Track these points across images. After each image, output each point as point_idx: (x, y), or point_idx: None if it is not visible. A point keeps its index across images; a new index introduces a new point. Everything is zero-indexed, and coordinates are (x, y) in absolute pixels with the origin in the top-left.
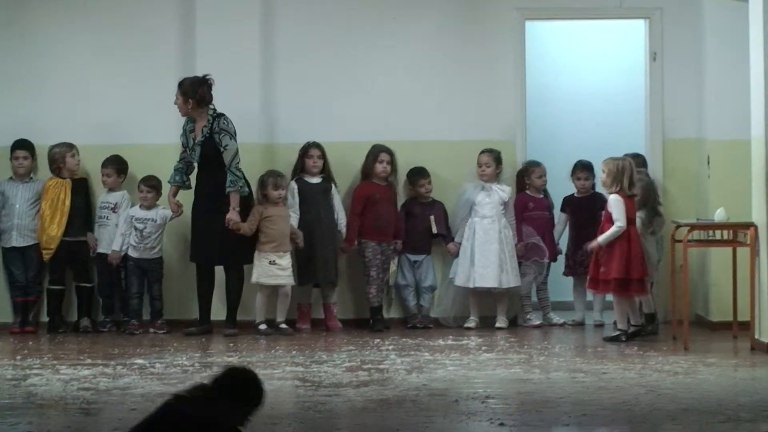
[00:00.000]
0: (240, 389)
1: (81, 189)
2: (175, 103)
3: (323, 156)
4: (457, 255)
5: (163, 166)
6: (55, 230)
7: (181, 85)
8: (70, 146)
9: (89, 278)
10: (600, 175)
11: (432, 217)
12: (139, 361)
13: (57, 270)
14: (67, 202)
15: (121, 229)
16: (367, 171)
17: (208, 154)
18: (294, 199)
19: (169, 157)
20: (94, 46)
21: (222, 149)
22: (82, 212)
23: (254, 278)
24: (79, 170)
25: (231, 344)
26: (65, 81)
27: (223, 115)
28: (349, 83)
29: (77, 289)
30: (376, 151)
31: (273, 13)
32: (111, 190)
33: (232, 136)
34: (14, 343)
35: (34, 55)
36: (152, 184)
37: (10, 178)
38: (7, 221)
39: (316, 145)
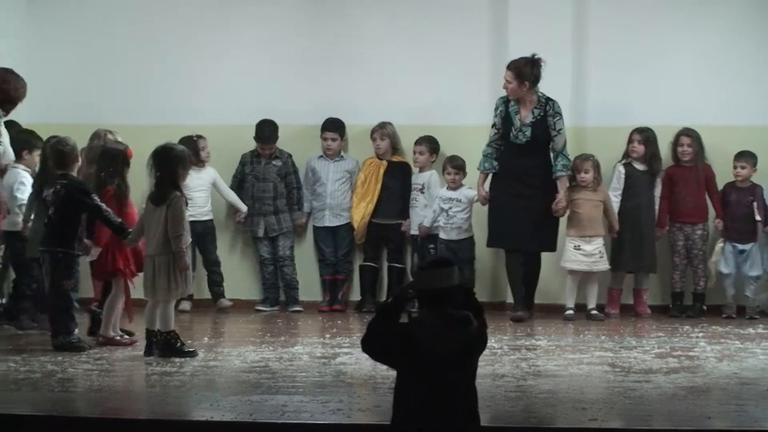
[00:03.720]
0: None
1: (397, 171)
2: (506, 87)
3: (645, 141)
4: None
5: (470, 147)
6: (362, 210)
7: (513, 67)
8: (381, 125)
9: (402, 259)
10: None
11: (754, 203)
12: None
13: (370, 250)
14: (378, 184)
15: (433, 207)
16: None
17: (537, 136)
18: (619, 184)
19: (475, 137)
20: (407, 27)
21: (555, 132)
22: (396, 195)
23: (562, 263)
24: (386, 152)
25: (539, 327)
26: (377, 63)
27: (553, 99)
28: (654, 64)
29: (389, 270)
30: (677, 135)
31: None
32: (421, 169)
33: (563, 120)
34: (323, 321)
35: (349, 38)
36: (458, 164)
37: (320, 156)
38: (319, 200)
39: (639, 131)
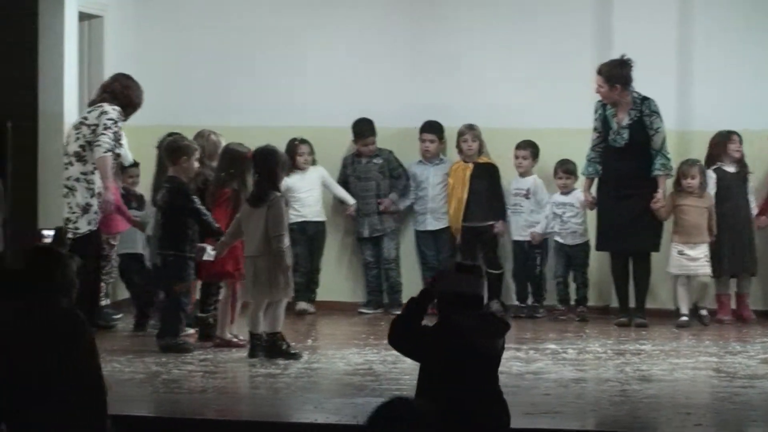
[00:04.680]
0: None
1: (484, 173)
2: (598, 92)
3: (741, 143)
4: None
5: (574, 151)
6: (454, 214)
7: (603, 71)
8: (470, 127)
9: (496, 264)
10: None
11: None
12: (552, 346)
13: (467, 254)
14: (466, 187)
15: (545, 213)
16: None
17: (635, 138)
18: (712, 189)
19: (574, 141)
20: (510, 28)
21: (653, 132)
22: (483, 197)
23: (667, 268)
24: (474, 154)
25: (643, 332)
26: (477, 64)
27: (649, 97)
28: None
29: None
30: None
31: None
32: (523, 174)
33: (661, 118)
34: None
35: (448, 39)
36: (569, 168)
37: (420, 161)
38: (421, 204)
39: (735, 133)
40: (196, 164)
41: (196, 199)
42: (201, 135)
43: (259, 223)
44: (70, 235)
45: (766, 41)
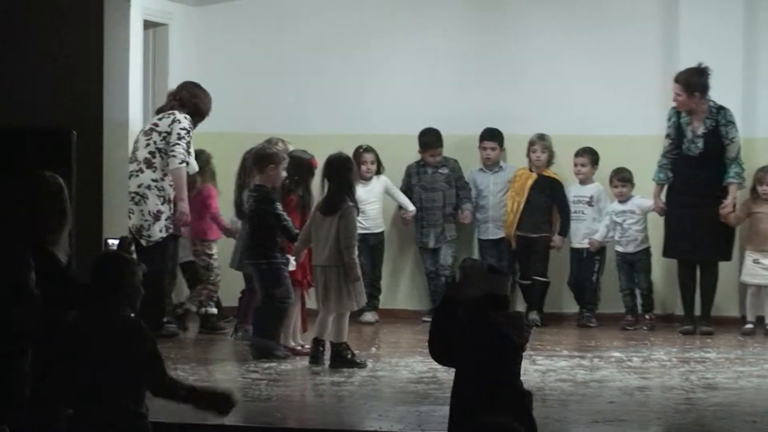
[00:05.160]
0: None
1: (546, 186)
2: (676, 100)
3: None
4: None
5: (634, 159)
6: (509, 222)
7: (681, 79)
8: (541, 137)
9: (545, 272)
10: None
11: None
12: (617, 354)
13: (521, 263)
14: (524, 197)
15: (605, 221)
16: None
17: (711, 147)
18: None
19: (640, 148)
20: (573, 35)
21: (729, 141)
22: (540, 209)
23: (742, 277)
24: (543, 164)
25: (708, 340)
26: (540, 71)
27: (725, 107)
28: None
29: (532, 282)
30: None
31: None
32: (583, 182)
33: (737, 128)
34: None
35: (512, 46)
36: (625, 176)
37: (480, 169)
38: (482, 213)
39: None
40: (284, 173)
41: (279, 206)
42: (270, 142)
43: (330, 232)
44: (143, 242)
45: None
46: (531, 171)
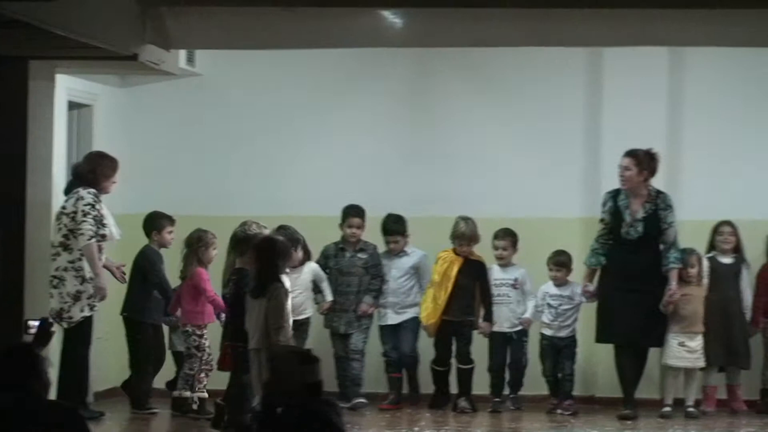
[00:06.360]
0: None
1: (473, 270)
2: (623, 174)
3: (735, 233)
4: None
5: (567, 241)
6: (434, 307)
7: (634, 154)
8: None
9: (469, 359)
10: None
11: None
12: None
13: (441, 348)
14: (451, 282)
15: (532, 302)
16: None
17: (649, 231)
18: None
19: (569, 231)
20: (498, 117)
21: (667, 225)
22: (468, 293)
23: (664, 359)
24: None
25: (628, 423)
26: (466, 154)
27: (663, 191)
28: (757, 158)
29: (458, 371)
30: None
31: (681, 87)
32: (504, 265)
33: (674, 212)
34: (390, 419)
35: (437, 128)
36: (562, 261)
37: (386, 252)
38: (383, 297)
39: (727, 223)
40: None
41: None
42: (246, 225)
43: (260, 315)
44: (64, 324)
45: (759, 124)
46: (456, 254)
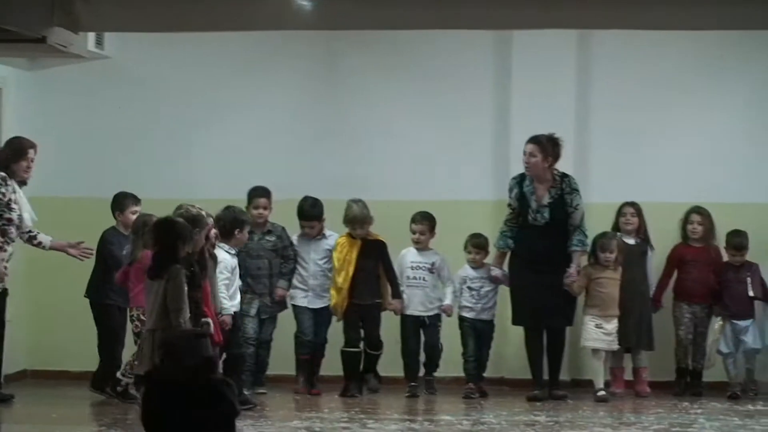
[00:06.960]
0: None
1: (373, 250)
2: (528, 161)
3: (638, 214)
4: None
5: (480, 224)
6: (340, 291)
7: (538, 141)
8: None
9: (379, 344)
10: None
11: (748, 279)
12: (447, 417)
13: (351, 332)
14: (353, 265)
15: (451, 287)
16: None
17: (556, 215)
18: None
19: (480, 214)
20: (408, 99)
21: (573, 209)
22: (372, 275)
23: (583, 341)
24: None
25: (538, 404)
26: (377, 136)
27: (569, 174)
28: (665, 141)
29: (366, 356)
30: (688, 212)
31: (589, 70)
32: (421, 249)
33: (580, 195)
34: (302, 403)
35: (347, 110)
36: (479, 243)
37: (302, 234)
38: (302, 281)
39: (630, 204)
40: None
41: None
42: (181, 208)
43: (157, 296)
44: None
45: (663, 114)
46: (353, 238)
